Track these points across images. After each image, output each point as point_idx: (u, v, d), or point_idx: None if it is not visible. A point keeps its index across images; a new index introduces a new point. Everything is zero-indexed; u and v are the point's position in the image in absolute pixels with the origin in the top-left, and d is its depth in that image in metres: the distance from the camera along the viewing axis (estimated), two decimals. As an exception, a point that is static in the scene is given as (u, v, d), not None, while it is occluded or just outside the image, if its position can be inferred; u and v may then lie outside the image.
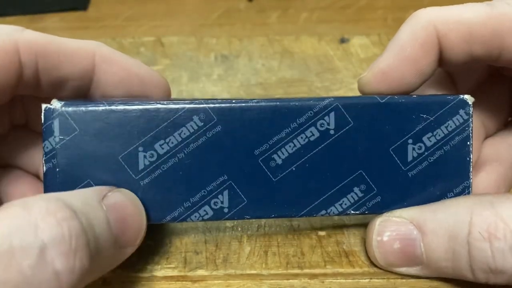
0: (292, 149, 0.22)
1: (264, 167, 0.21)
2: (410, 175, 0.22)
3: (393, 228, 0.22)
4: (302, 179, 0.22)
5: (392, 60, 0.22)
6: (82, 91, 0.23)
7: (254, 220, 0.25)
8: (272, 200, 0.22)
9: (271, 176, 0.22)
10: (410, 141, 0.22)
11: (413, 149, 0.22)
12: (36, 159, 0.24)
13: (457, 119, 0.22)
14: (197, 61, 0.35)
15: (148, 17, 0.39)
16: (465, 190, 0.22)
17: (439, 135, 0.22)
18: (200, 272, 0.23)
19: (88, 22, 0.39)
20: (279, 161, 0.22)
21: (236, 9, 0.40)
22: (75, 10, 0.41)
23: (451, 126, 0.22)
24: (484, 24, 0.21)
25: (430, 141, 0.22)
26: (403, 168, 0.22)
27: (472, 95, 0.22)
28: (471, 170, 0.22)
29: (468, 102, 0.22)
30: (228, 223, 0.25)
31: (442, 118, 0.22)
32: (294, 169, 0.22)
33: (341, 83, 0.34)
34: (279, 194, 0.22)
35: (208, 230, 0.25)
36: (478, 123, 0.25)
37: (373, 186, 0.22)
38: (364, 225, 0.24)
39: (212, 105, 0.21)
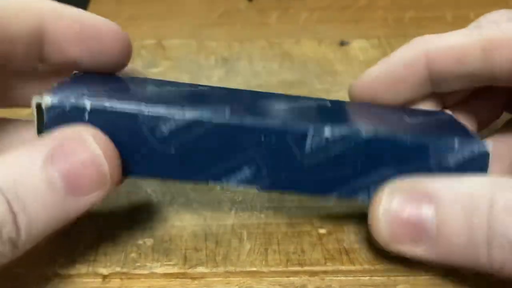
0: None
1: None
2: None
3: (404, 196, 0.20)
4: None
5: (377, 74, 0.24)
6: (35, 53, 0.22)
7: (254, 218, 0.25)
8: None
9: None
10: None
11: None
12: None
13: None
14: (198, 63, 0.35)
15: (148, 17, 0.40)
16: None
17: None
18: (200, 269, 0.23)
19: (88, 22, 0.39)
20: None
21: (236, 9, 0.40)
22: (75, 10, 0.41)
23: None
24: (474, 46, 0.22)
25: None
26: None
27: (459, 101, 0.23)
28: None
29: (486, 151, 0.20)
30: (228, 221, 0.25)
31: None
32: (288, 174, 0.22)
33: (341, 85, 0.34)
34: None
35: (209, 228, 0.25)
36: (472, 124, 0.26)
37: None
38: (364, 224, 0.24)
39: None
